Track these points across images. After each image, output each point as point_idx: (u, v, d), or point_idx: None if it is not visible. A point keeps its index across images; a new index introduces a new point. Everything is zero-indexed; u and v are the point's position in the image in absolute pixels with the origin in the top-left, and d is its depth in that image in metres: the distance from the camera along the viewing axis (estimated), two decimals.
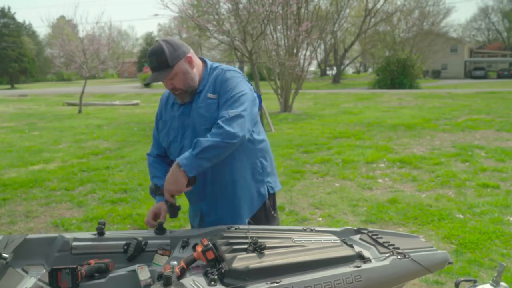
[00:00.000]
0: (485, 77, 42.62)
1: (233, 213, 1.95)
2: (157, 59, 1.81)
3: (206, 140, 1.71)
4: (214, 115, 1.82)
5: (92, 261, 1.64)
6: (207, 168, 1.79)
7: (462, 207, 4.52)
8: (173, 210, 1.88)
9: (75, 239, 1.73)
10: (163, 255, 1.73)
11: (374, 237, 1.81)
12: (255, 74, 13.02)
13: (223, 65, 1.96)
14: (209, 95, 1.87)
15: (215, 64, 1.97)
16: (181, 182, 1.74)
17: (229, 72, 1.90)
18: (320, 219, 4.34)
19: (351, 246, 1.72)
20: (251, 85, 1.96)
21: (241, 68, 48.61)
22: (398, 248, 1.67)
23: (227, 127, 1.72)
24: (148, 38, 63.95)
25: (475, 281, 1.72)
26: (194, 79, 1.88)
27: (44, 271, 1.64)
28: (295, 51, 14.55)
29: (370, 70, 59.24)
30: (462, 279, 1.76)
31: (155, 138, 2.10)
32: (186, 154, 1.73)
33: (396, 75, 29.24)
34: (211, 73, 1.92)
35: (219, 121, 1.75)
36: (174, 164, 1.75)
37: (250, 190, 1.96)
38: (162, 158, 2.07)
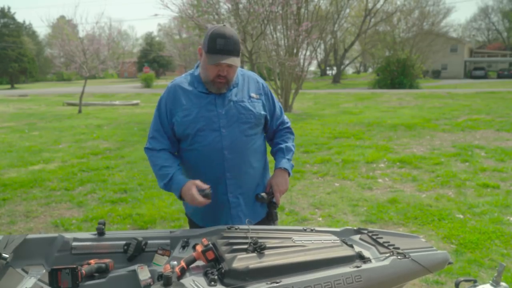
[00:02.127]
0: (485, 77, 42.61)
1: (254, 205, 2.05)
2: (235, 45, 1.84)
3: (292, 146, 2.14)
4: (260, 112, 2.01)
5: (92, 261, 1.64)
6: None
7: (462, 207, 4.52)
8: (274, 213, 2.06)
9: (75, 239, 1.73)
10: (163, 255, 1.73)
11: (374, 237, 1.81)
12: None
13: (242, 68, 2.10)
14: (253, 95, 2.02)
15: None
16: (287, 180, 2.05)
17: (261, 80, 2.12)
18: (320, 219, 4.34)
19: (351, 246, 1.72)
20: None
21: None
22: (398, 248, 1.67)
23: (291, 126, 2.19)
24: (148, 38, 63.89)
25: (475, 281, 1.72)
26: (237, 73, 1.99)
27: (44, 271, 1.64)
28: (295, 51, 14.55)
29: (370, 70, 59.25)
30: (462, 279, 1.76)
31: (161, 131, 1.98)
32: (283, 160, 2.06)
33: (396, 75, 29.24)
34: (238, 72, 2.03)
35: (287, 125, 2.17)
36: (279, 169, 2.04)
37: (264, 184, 2.11)
38: (166, 152, 1.99)
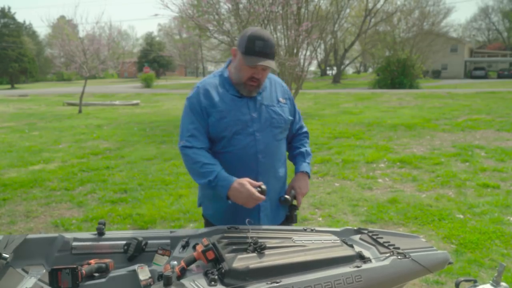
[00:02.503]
0: (485, 77, 42.60)
1: (277, 208, 2.08)
2: (272, 48, 1.86)
3: (307, 149, 2.19)
4: (288, 117, 2.07)
5: (92, 261, 1.64)
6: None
7: (462, 207, 4.52)
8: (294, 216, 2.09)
9: (75, 239, 1.73)
10: (163, 255, 1.73)
11: (374, 237, 1.81)
12: None
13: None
14: (281, 99, 2.05)
15: None
16: (308, 183, 2.11)
17: (283, 82, 2.16)
18: (320, 219, 4.34)
19: (351, 246, 1.72)
20: None
21: None
22: (398, 248, 1.67)
23: (308, 136, 2.26)
24: (148, 38, 63.90)
25: (475, 281, 1.72)
26: None
27: (44, 271, 1.64)
28: (295, 51, 14.54)
29: (370, 70, 59.25)
30: (462, 279, 1.76)
31: (201, 130, 1.92)
32: (304, 163, 2.12)
33: (396, 75, 29.24)
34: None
35: (305, 129, 2.23)
36: (301, 173, 2.09)
37: (285, 188, 2.15)
38: (206, 151, 1.93)
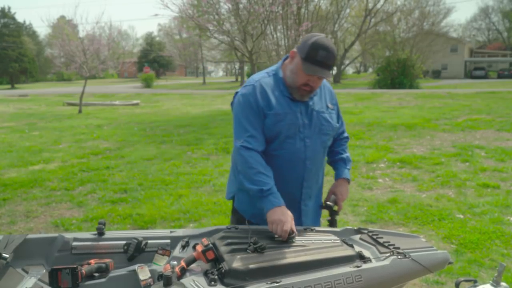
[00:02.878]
0: (485, 77, 42.60)
1: (316, 213, 2.15)
2: (334, 60, 1.84)
3: (348, 154, 2.20)
4: (336, 124, 2.07)
5: (92, 261, 1.64)
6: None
7: (462, 207, 4.52)
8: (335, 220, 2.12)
9: (75, 239, 1.73)
10: (163, 255, 1.73)
11: (374, 237, 1.81)
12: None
13: None
14: (329, 105, 2.04)
15: None
16: (348, 189, 2.16)
17: (331, 87, 2.14)
18: (320, 219, 4.34)
19: (351, 246, 1.72)
20: None
21: (241, 68, 48.61)
22: (398, 248, 1.67)
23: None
24: (148, 38, 63.91)
25: (475, 281, 1.72)
26: None
27: (44, 271, 1.64)
28: None
29: (370, 70, 59.24)
30: (463, 279, 1.76)
31: (259, 130, 1.88)
32: (345, 170, 2.14)
33: (396, 75, 29.23)
34: None
35: (346, 134, 2.22)
36: (342, 179, 2.13)
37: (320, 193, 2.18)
38: (263, 157, 1.89)
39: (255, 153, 1.85)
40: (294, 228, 1.71)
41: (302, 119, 1.92)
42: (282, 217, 1.71)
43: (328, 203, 2.07)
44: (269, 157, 1.90)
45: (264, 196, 1.79)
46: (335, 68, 48.06)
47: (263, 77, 1.97)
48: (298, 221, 1.97)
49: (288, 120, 1.89)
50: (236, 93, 2.01)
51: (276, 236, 1.69)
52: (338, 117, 2.12)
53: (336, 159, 2.17)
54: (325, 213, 2.16)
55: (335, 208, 2.08)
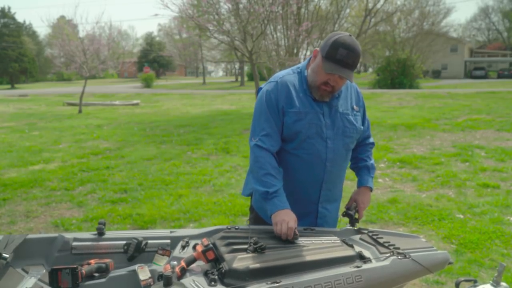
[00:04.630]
0: (485, 77, 42.59)
1: (335, 218, 2.09)
2: (356, 60, 1.76)
3: (372, 160, 2.14)
4: (360, 127, 2.00)
5: (92, 261, 1.64)
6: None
7: (462, 207, 4.52)
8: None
9: (75, 239, 1.73)
10: (163, 255, 1.73)
11: (375, 237, 1.81)
12: (255, 74, 13.01)
13: None
14: (355, 107, 1.98)
15: None
16: (370, 199, 2.13)
17: (358, 88, 2.06)
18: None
19: (352, 246, 1.72)
20: None
21: (241, 68, 48.52)
22: (398, 248, 1.67)
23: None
24: (148, 38, 63.89)
25: (475, 281, 1.72)
26: None
27: (44, 271, 1.64)
28: (295, 51, 14.56)
29: (370, 70, 59.20)
30: (463, 279, 1.76)
31: (275, 129, 1.86)
32: (369, 178, 2.10)
33: (396, 75, 29.24)
34: None
35: (372, 139, 2.15)
36: (364, 187, 2.10)
37: (338, 198, 2.14)
38: (275, 158, 1.88)
39: (267, 153, 1.83)
40: (297, 230, 1.71)
41: (325, 119, 1.87)
42: (286, 217, 1.71)
43: (349, 211, 2.02)
44: (289, 156, 1.89)
45: (269, 199, 1.78)
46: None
47: (287, 74, 1.94)
48: (314, 223, 1.96)
49: (309, 120, 1.85)
50: (260, 88, 1.99)
51: (279, 235, 1.69)
52: (364, 119, 2.06)
53: (360, 166, 2.12)
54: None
55: (356, 216, 2.04)
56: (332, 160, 1.90)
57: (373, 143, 2.16)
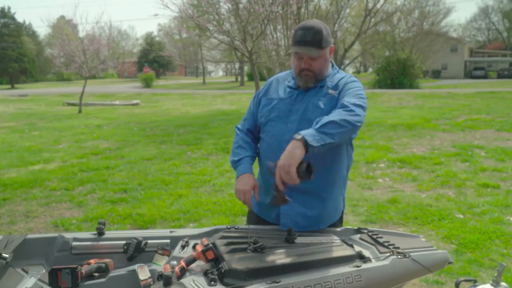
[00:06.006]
0: (485, 77, 42.59)
1: (318, 217, 1.90)
2: (314, 35, 1.81)
3: (331, 116, 1.62)
4: (331, 109, 1.76)
5: (92, 261, 1.64)
6: (327, 147, 1.57)
7: (462, 207, 4.52)
8: (278, 198, 1.63)
9: (75, 239, 1.73)
10: (163, 255, 1.73)
11: (374, 236, 1.81)
12: (255, 74, 13.02)
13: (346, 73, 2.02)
14: (330, 91, 1.89)
15: (340, 70, 2.02)
16: (297, 154, 1.51)
17: (356, 82, 1.90)
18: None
19: (351, 245, 1.72)
20: None
21: (241, 68, 48.46)
22: (398, 248, 1.67)
23: (354, 108, 1.68)
24: (148, 38, 63.89)
25: (475, 281, 1.72)
26: (327, 69, 1.93)
27: (44, 271, 1.64)
28: None
29: (370, 70, 59.22)
30: (462, 279, 1.76)
31: (251, 114, 2.08)
32: (308, 130, 1.58)
33: (396, 75, 29.23)
34: (336, 74, 1.97)
35: (345, 103, 1.70)
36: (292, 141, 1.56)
37: (338, 198, 2.02)
38: (251, 134, 2.07)
39: (242, 132, 2.06)
40: (248, 202, 1.80)
41: (293, 105, 1.91)
42: (241, 185, 1.83)
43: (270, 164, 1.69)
44: (260, 141, 2.04)
45: (235, 167, 1.94)
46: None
47: (282, 72, 2.12)
48: (276, 208, 1.87)
49: (274, 104, 1.95)
50: None
51: (276, 235, 1.69)
52: (343, 96, 1.81)
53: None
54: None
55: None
56: None
57: (346, 106, 1.70)
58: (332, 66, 1.98)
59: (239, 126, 2.10)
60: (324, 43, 1.82)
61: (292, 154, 1.51)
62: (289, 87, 1.96)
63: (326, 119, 1.60)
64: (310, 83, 1.90)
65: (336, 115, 1.63)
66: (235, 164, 1.94)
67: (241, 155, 1.95)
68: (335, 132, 1.58)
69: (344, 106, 1.69)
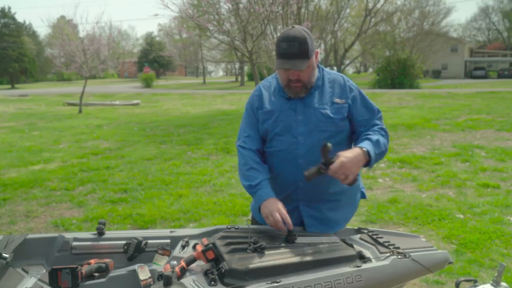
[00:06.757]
0: (485, 77, 42.58)
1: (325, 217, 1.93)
2: (299, 47, 1.73)
3: (384, 144, 1.82)
4: (340, 118, 1.86)
5: (92, 261, 1.64)
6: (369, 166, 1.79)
7: (462, 207, 4.52)
8: (314, 174, 1.70)
9: (75, 239, 1.73)
10: (163, 255, 1.73)
11: (374, 236, 1.81)
12: (255, 74, 13.02)
13: (332, 70, 2.00)
14: (336, 100, 1.87)
15: (325, 68, 1.99)
16: (359, 165, 1.71)
17: (357, 87, 1.93)
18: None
19: (351, 245, 1.72)
20: None
21: (241, 68, 48.49)
22: (398, 248, 1.67)
23: (387, 136, 1.88)
24: (148, 38, 63.91)
25: (475, 281, 1.72)
26: (315, 75, 1.87)
27: (44, 271, 1.64)
28: None
29: (370, 70, 59.24)
30: (463, 279, 1.76)
31: (255, 130, 1.94)
32: (368, 143, 1.76)
33: (396, 75, 29.23)
34: (325, 75, 1.93)
35: (382, 128, 1.88)
36: (357, 148, 1.72)
37: (356, 195, 2.05)
38: (259, 153, 1.94)
39: (250, 151, 1.92)
40: (287, 218, 1.68)
41: (297, 116, 1.86)
42: (271, 207, 1.73)
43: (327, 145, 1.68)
44: (267, 156, 1.95)
45: (254, 192, 1.83)
46: (335, 68, 48.07)
47: (267, 79, 2.02)
48: (300, 221, 1.89)
49: (276, 118, 1.88)
50: None
51: (276, 235, 1.69)
52: (363, 110, 1.90)
53: (362, 138, 1.84)
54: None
55: (331, 160, 1.68)
56: (305, 156, 1.82)
57: (382, 129, 1.88)
58: (318, 66, 1.92)
59: (242, 144, 1.95)
60: (310, 53, 1.76)
61: (358, 163, 1.70)
62: (284, 97, 1.89)
63: (378, 142, 1.79)
64: (301, 93, 1.85)
65: (382, 138, 1.84)
66: (253, 189, 1.82)
67: (258, 178, 1.83)
68: (380, 158, 1.84)
69: (383, 132, 1.88)
